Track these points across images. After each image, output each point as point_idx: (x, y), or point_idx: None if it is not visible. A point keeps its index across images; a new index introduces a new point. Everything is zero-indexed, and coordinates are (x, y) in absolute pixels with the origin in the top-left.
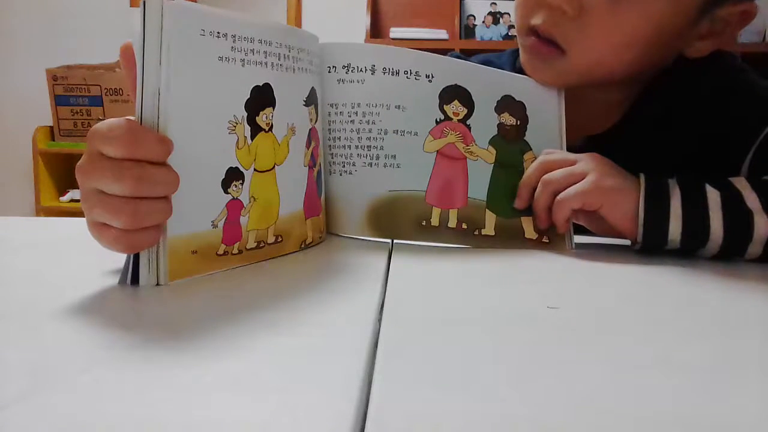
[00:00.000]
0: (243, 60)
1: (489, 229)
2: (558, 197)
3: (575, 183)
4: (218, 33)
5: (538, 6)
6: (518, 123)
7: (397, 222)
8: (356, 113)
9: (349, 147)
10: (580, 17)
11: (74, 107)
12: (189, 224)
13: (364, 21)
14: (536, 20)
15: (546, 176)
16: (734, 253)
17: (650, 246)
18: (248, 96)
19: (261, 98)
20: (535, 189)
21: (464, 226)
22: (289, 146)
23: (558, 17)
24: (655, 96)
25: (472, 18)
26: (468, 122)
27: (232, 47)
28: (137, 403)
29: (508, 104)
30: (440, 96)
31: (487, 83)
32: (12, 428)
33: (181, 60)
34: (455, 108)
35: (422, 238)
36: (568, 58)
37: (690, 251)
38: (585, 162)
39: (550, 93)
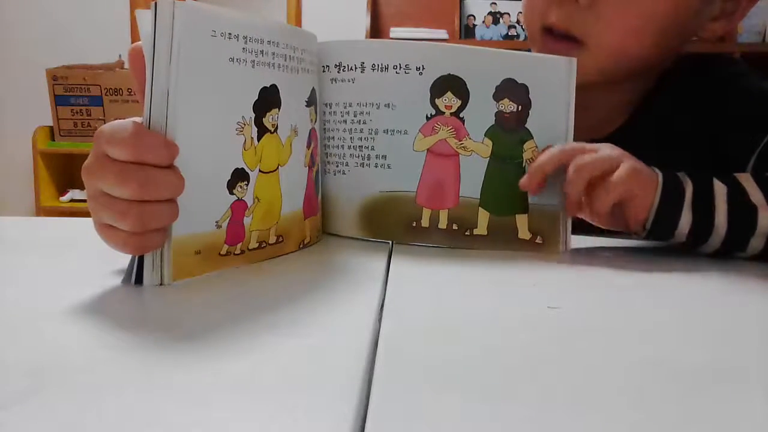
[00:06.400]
0: (254, 61)
1: (481, 229)
2: (611, 180)
3: (611, 169)
4: (229, 34)
5: (549, 4)
6: (519, 109)
7: (388, 223)
8: (348, 113)
9: (342, 147)
10: (594, 5)
11: (74, 107)
12: (193, 225)
13: (364, 21)
14: (550, 18)
15: (579, 161)
16: (736, 248)
17: (656, 236)
18: (256, 97)
19: (268, 99)
20: (547, 176)
21: (455, 226)
22: (291, 147)
23: (571, 9)
24: (658, 99)
25: (472, 18)
26: (462, 115)
27: (244, 48)
28: (138, 404)
29: (508, 89)
30: (431, 89)
31: (485, 68)
32: (12, 428)
33: (192, 61)
34: (447, 101)
35: (413, 239)
36: (588, 50)
37: (693, 245)
38: (610, 149)
39: (558, 66)
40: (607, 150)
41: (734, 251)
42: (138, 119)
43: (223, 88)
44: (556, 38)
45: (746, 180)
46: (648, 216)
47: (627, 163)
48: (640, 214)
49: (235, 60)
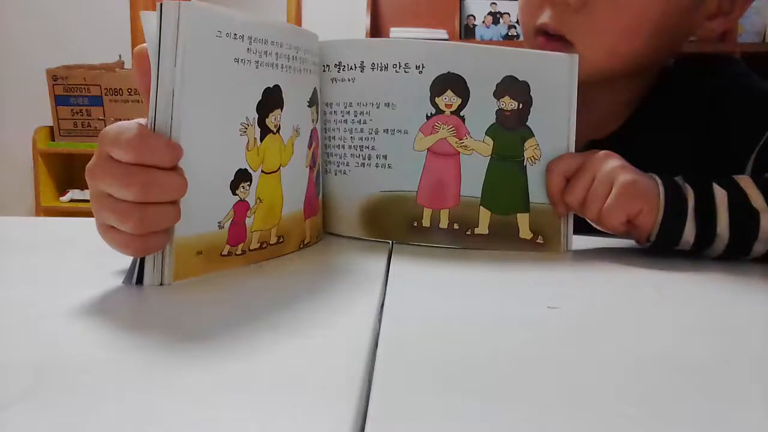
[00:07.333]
0: (258, 62)
1: (482, 228)
2: (603, 209)
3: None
4: (235, 34)
5: (542, 4)
6: (520, 107)
7: (390, 223)
8: (348, 113)
9: (343, 147)
10: (584, 8)
11: (74, 107)
12: (196, 225)
13: (364, 21)
14: (542, 19)
15: (591, 195)
16: (739, 253)
17: (662, 246)
18: (260, 98)
19: (271, 100)
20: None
21: (456, 226)
22: (293, 147)
23: (563, 12)
24: (658, 99)
25: (472, 18)
26: (462, 113)
27: (248, 49)
28: (137, 403)
29: (509, 86)
30: (431, 88)
31: (486, 65)
32: (12, 428)
33: (197, 61)
34: (447, 99)
35: (414, 239)
36: (580, 52)
37: (696, 252)
38: (604, 159)
39: (561, 62)
40: (607, 168)
41: (738, 256)
42: (142, 121)
43: (228, 89)
44: (549, 38)
45: (746, 184)
46: (653, 228)
47: (622, 178)
48: (645, 227)
49: (239, 60)
